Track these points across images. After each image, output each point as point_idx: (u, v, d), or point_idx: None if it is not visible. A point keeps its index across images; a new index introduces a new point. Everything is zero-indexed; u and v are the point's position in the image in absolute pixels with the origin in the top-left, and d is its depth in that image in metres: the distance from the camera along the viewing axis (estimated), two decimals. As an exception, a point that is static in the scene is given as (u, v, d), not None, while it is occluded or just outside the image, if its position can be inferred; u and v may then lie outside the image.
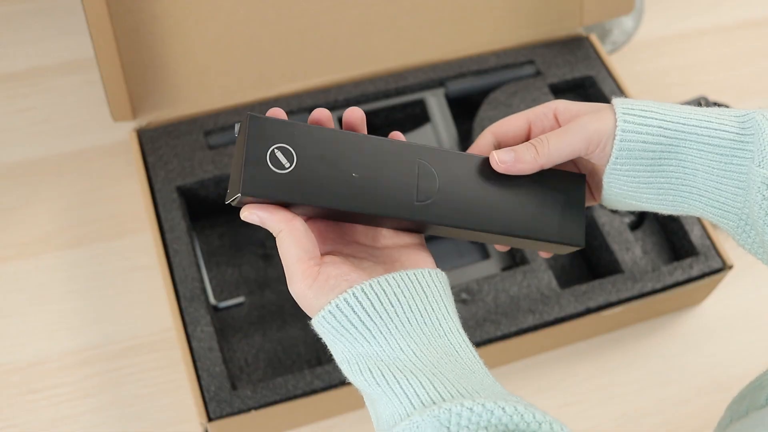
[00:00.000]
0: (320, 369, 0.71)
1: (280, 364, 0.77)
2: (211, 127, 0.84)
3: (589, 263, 0.85)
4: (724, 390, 0.80)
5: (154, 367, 0.78)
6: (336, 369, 0.71)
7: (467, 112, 0.91)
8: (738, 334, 0.84)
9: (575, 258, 0.86)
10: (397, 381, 0.44)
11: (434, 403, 0.43)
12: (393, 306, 0.47)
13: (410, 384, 0.44)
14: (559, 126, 0.53)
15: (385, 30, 0.88)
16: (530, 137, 0.54)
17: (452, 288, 0.76)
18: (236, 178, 0.47)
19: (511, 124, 0.54)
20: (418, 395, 0.44)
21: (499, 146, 0.54)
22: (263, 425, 0.73)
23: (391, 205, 0.49)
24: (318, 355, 0.78)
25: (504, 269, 0.81)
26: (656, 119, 0.51)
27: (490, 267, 0.80)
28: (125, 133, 0.89)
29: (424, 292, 0.48)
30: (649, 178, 0.52)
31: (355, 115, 0.51)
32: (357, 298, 0.46)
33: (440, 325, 0.48)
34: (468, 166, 0.51)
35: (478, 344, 0.73)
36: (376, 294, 0.47)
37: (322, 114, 0.50)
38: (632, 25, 1.06)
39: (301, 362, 0.78)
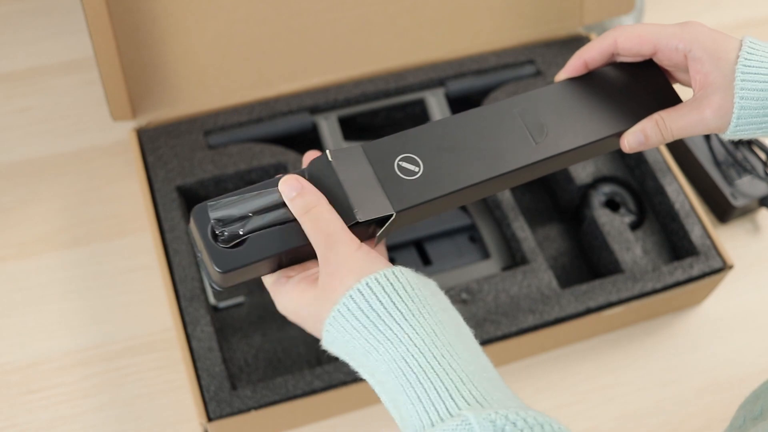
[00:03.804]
0: (320, 369, 0.71)
1: (279, 364, 0.77)
2: (211, 127, 0.84)
3: (590, 263, 0.85)
4: (724, 390, 0.80)
5: (153, 367, 0.78)
6: (336, 369, 0.71)
7: (467, 111, 0.91)
8: (738, 334, 0.84)
9: (575, 258, 0.86)
10: (433, 380, 0.45)
11: (480, 404, 0.44)
12: (421, 296, 0.48)
13: (449, 385, 0.45)
14: (687, 64, 0.55)
15: (385, 30, 0.88)
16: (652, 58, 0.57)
17: (452, 288, 0.76)
18: (376, 205, 0.50)
19: (633, 38, 0.56)
20: (462, 397, 0.44)
21: (615, 56, 0.57)
22: (263, 425, 0.73)
23: (518, 156, 0.53)
24: (318, 355, 0.78)
25: (504, 269, 0.80)
26: None
27: (490, 267, 0.80)
28: (125, 132, 0.89)
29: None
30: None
31: None
32: (403, 274, 0.48)
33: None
34: (559, 94, 0.56)
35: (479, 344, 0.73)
36: (410, 280, 0.48)
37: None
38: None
39: (301, 362, 0.78)
